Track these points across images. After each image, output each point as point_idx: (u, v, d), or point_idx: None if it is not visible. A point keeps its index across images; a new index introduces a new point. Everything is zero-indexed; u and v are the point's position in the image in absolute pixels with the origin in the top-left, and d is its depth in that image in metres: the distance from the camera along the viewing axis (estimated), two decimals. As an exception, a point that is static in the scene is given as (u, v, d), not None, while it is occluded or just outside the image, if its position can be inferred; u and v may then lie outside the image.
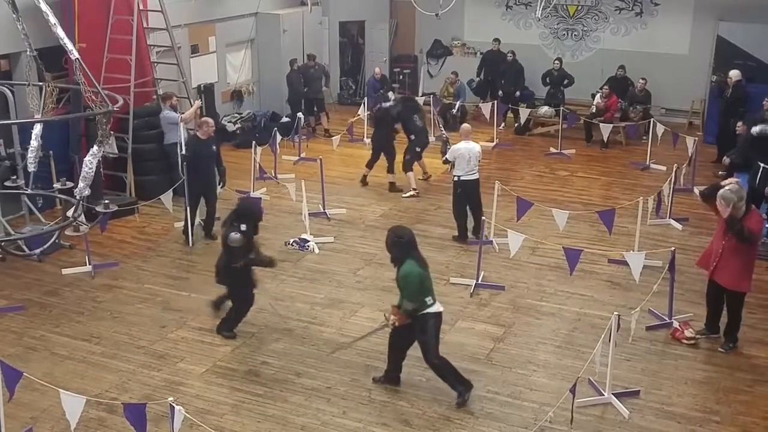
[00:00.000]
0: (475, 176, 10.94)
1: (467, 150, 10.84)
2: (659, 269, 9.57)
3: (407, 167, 13.08)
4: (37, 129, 6.09)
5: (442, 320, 7.46)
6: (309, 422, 7.13)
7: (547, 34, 18.28)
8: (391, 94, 17.45)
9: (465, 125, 11.55)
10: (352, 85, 19.88)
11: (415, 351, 8.33)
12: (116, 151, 12.14)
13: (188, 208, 10.79)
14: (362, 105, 16.44)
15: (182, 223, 11.19)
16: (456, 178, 10.97)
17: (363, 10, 19.49)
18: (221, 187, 11.45)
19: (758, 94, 13.80)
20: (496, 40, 17.61)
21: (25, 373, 6.50)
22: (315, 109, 16.63)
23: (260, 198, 8.95)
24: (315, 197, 11.99)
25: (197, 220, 11.21)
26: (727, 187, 7.95)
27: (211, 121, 11.02)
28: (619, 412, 7.30)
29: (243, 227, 8.22)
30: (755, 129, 11.97)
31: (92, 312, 9.21)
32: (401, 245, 7.22)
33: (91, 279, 10.03)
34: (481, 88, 17.91)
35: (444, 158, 11.43)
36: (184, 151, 10.64)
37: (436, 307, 7.29)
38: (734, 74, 14.39)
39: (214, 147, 11.08)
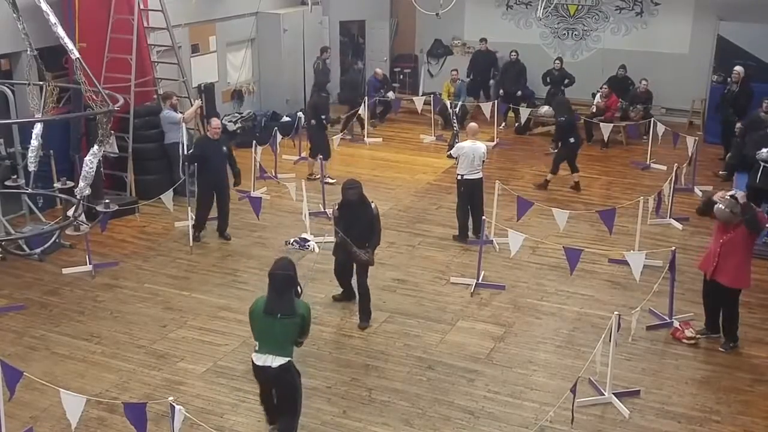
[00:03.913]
0: (478, 176, 10.94)
1: (472, 150, 10.84)
2: (660, 269, 9.56)
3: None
4: (38, 128, 6.09)
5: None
6: (309, 422, 7.12)
7: (548, 33, 18.25)
8: (391, 94, 17.49)
9: (472, 124, 11.54)
10: (352, 85, 19.86)
11: (416, 351, 8.36)
12: (117, 150, 12.12)
13: (196, 208, 10.85)
14: (363, 104, 16.42)
15: (184, 223, 11.20)
16: (459, 177, 10.99)
17: (363, 10, 19.46)
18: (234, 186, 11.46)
19: (759, 94, 13.80)
20: (483, 39, 17.62)
21: (25, 373, 6.51)
22: None
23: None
24: (315, 197, 11.99)
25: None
26: (720, 204, 8.06)
27: (214, 121, 11.06)
28: (620, 411, 7.30)
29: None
30: (762, 154, 10.99)
31: (92, 311, 9.21)
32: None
33: (92, 278, 10.02)
34: (472, 88, 17.90)
35: (448, 153, 11.43)
36: (186, 151, 10.62)
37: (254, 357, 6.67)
38: (740, 70, 14.41)
39: (225, 147, 11.06)
